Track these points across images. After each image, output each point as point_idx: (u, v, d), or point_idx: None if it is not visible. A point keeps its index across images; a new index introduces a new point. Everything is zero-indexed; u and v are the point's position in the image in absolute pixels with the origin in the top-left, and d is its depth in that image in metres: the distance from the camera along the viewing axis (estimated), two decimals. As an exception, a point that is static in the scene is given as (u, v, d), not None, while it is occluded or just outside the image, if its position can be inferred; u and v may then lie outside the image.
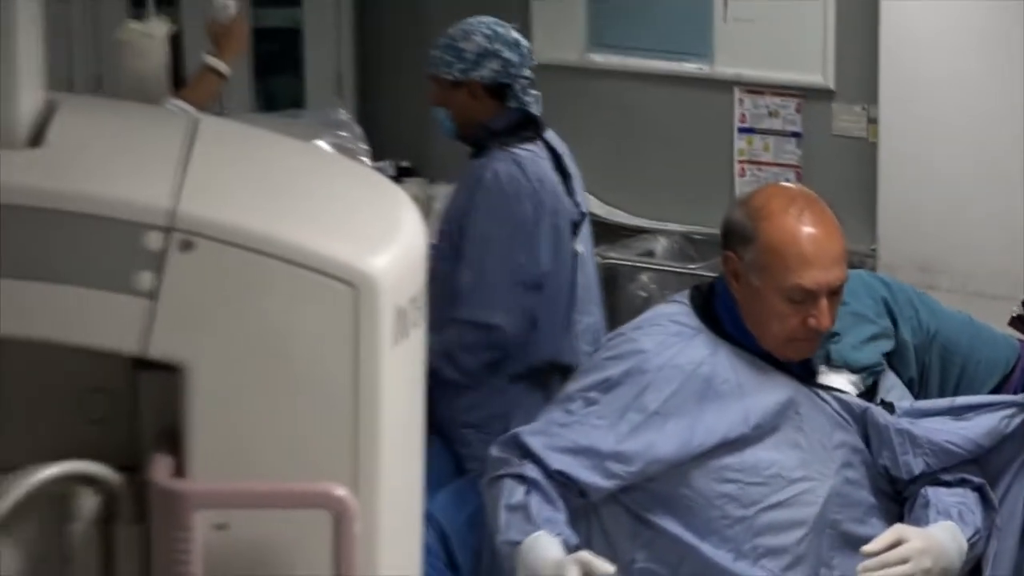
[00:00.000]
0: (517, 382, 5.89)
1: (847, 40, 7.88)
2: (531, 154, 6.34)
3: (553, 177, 6.39)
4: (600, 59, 7.51)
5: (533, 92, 6.40)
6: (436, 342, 5.93)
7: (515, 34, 6.47)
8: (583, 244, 6.53)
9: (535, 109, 6.41)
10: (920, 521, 4.58)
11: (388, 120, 7.76)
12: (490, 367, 5.86)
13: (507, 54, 6.34)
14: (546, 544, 4.41)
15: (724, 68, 8.15)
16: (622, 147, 7.09)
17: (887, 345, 4.89)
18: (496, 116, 6.37)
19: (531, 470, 4.50)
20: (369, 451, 2.20)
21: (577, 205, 6.50)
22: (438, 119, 6.53)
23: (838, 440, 4.66)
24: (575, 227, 6.47)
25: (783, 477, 4.58)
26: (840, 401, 4.68)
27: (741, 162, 8.14)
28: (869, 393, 4.78)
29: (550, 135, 6.48)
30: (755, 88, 8.11)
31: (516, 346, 5.94)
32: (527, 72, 6.38)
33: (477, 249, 6.20)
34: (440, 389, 5.86)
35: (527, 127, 6.40)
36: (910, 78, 7.64)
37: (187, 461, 2.16)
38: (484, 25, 6.47)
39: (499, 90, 6.35)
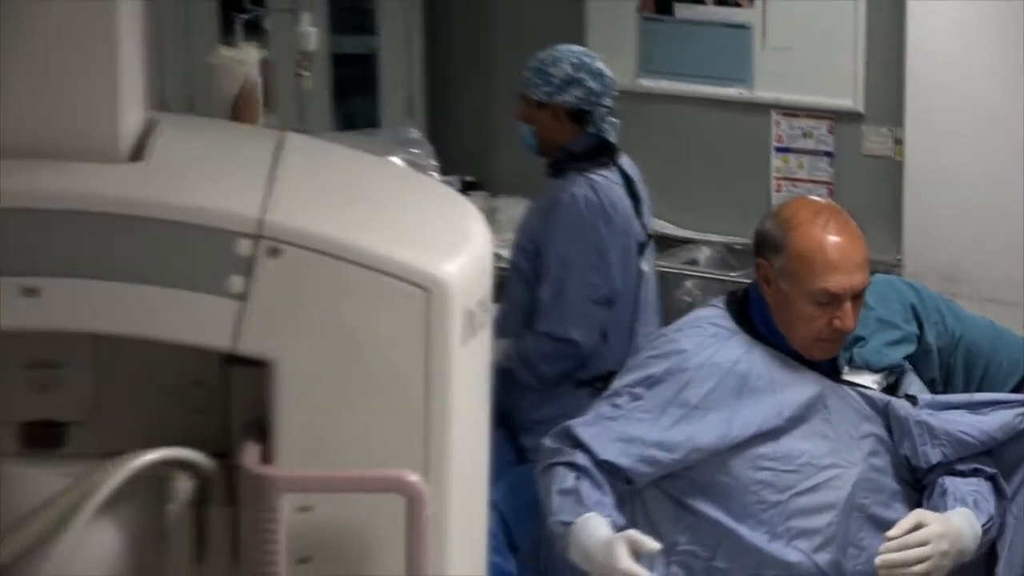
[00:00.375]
0: (582, 387, 5.90)
1: (875, 67, 7.85)
2: (606, 180, 6.35)
3: (625, 201, 6.40)
4: (649, 83, 7.51)
5: (612, 119, 6.40)
6: (515, 349, 6.07)
7: (600, 64, 6.46)
8: (647, 263, 6.56)
9: (612, 136, 6.42)
10: (939, 507, 4.59)
11: (454, 138, 7.76)
12: (563, 375, 5.85)
13: (591, 83, 6.35)
14: (596, 524, 4.43)
15: (762, 93, 8.14)
16: (669, 164, 7.08)
17: (908, 348, 4.88)
18: (575, 139, 6.36)
19: (581, 458, 4.53)
20: (439, 441, 2.20)
21: (644, 227, 6.53)
22: (522, 134, 6.51)
23: (864, 431, 4.67)
24: (641, 247, 6.50)
25: (813, 465, 4.60)
26: (864, 396, 4.70)
27: (777, 179, 8.12)
28: (891, 390, 4.77)
29: (624, 160, 6.48)
30: (791, 111, 8.09)
31: (588, 357, 5.94)
32: (607, 101, 6.37)
33: (556, 269, 6.22)
34: (509, 386, 5.97)
35: (603, 152, 6.39)
36: (933, 102, 7.61)
37: (274, 449, 2.17)
38: (573, 54, 6.48)
39: (580, 115, 6.35)
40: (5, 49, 2.22)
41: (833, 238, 4.59)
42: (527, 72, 6.47)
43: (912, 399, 4.73)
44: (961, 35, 7.52)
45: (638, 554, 4.40)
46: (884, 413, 4.67)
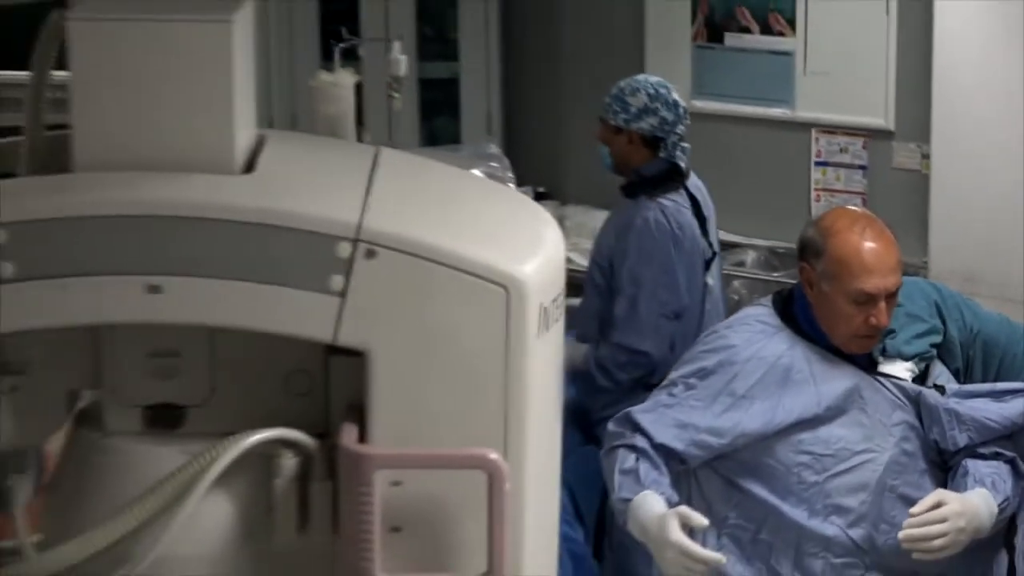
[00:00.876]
0: (650, 390, 5.94)
1: (905, 90, 7.82)
2: (675, 204, 6.34)
3: (692, 222, 6.39)
4: (702, 105, 7.51)
5: (683, 146, 6.38)
6: (594, 356, 6.13)
7: (675, 96, 6.43)
8: (713, 277, 6.55)
9: (682, 161, 6.39)
10: (959, 487, 4.55)
11: (528, 153, 7.76)
12: (636, 382, 5.86)
13: (664, 113, 6.32)
14: (652, 501, 4.43)
15: (803, 113, 8.11)
16: (719, 177, 7.05)
17: (935, 339, 4.85)
18: (648, 163, 6.34)
19: (640, 441, 4.53)
20: (517, 423, 2.20)
21: (710, 244, 6.51)
22: (601, 154, 6.48)
23: (897, 419, 4.66)
24: (708, 263, 6.50)
25: (848, 449, 4.59)
26: (897, 386, 4.67)
27: (816, 190, 8.10)
28: (921, 378, 4.76)
29: (692, 182, 6.47)
30: (829, 129, 8.06)
31: (658, 365, 5.96)
32: (680, 129, 6.35)
33: (629, 286, 6.24)
34: (586, 386, 6.14)
35: (674, 177, 6.37)
36: (957, 121, 7.58)
37: (369, 430, 2.18)
38: (650, 85, 6.45)
39: (654, 142, 6.33)
40: (134, 73, 2.23)
41: (869, 244, 4.58)
42: (608, 99, 6.44)
43: (941, 389, 4.72)
44: (983, 60, 7.49)
45: (688, 528, 4.39)
46: (915, 402, 4.66)
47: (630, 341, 6.23)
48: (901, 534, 4.48)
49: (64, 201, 2.17)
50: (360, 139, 5.75)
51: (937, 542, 4.44)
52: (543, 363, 2.26)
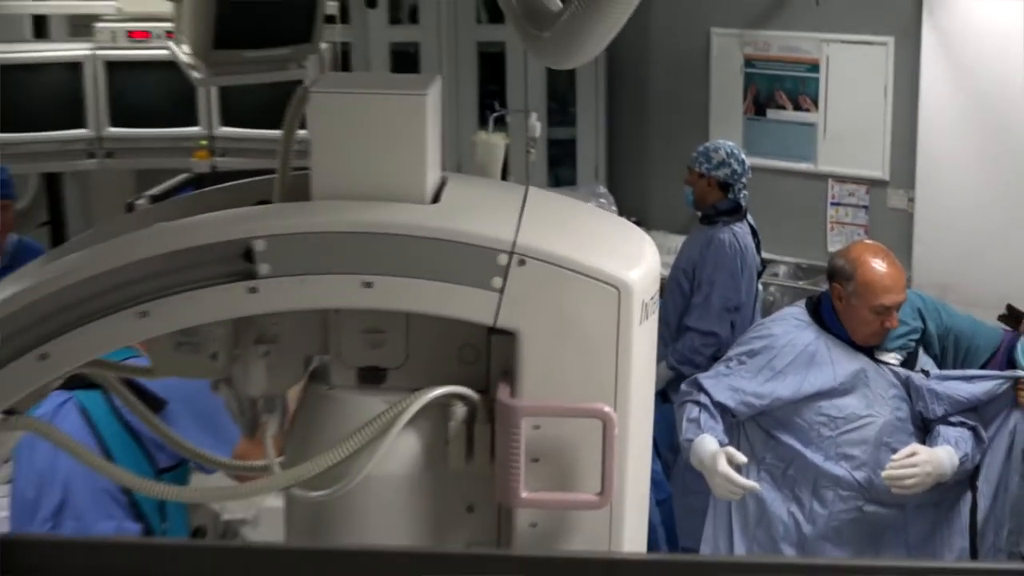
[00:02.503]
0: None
1: (896, 151, 7.73)
2: (741, 230, 6.46)
3: (751, 244, 6.49)
4: (751, 160, 7.37)
5: (744, 192, 6.49)
6: (672, 357, 6.32)
7: (743, 155, 6.57)
8: (759, 285, 6.74)
9: (744, 201, 6.50)
10: (932, 445, 4.64)
11: (624, 192, 7.75)
12: (711, 360, 5.88)
13: (736, 166, 6.45)
14: (708, 442, 4.53)
15: (823, 167, 8.04)
16: (763, 212, 7.02)
17: (914, 336, 4.86)
18: (721, 201, 6.45)
19: (703, 399, 4.66)
20: (623, 386, 2.19)
21: (761, 261, 6.70)
22: (684, 192, 6.59)
23: (891, 394, 4.72)
24: (759, 274, 6.69)
25: (855, 414, 4.69)
26: (892, 370, 4.76)
27: (832, 223, 8.04)
28: (910, 364, 4.79)
29: (749, 216, 6.57)
30: (841, 179, 7.99)
31: (724, 344, 6.03)
32: (744, 179, 6.48)
33: (706, 286, 6.35)
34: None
35: (739, 211, 6.48)
36: (935, 175, 7.50)
37: (518, 388, 2.16)
38: (727, 146, 6.59)
39: (726, 186, 6.43)
40: (355, 130, 2.24)
41: (888, 271, 4.67)
42: (696, 153, 6.55)
43: (925, 372, 4.79)
44: (956, 130, 7.41)
45: (733, 463, 4.50)
46: (905, 382, 4.74)
47: (703, 325, 6.34)
48: (884, 473, 4.58)
49: (304, 221, 2.18)
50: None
51: (909, 481, 4.55)
52: (643, 344, 2.24)
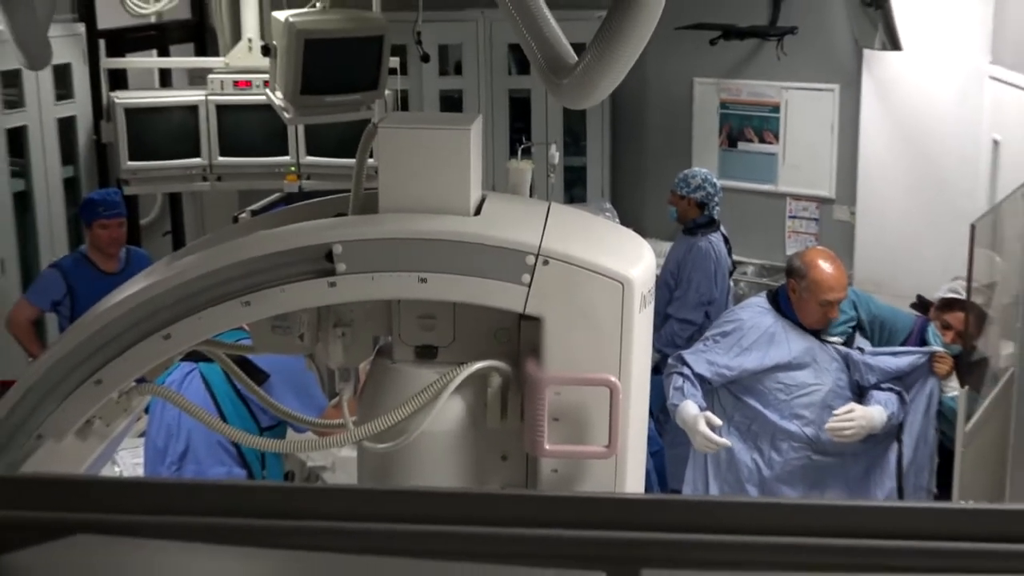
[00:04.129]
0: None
1: (841, 174, 7.68)
2: (716, 238, 6.41)
3: (724, 249, 6.44)
4: (724, 183, 7.34)
5: (718, 208, 6.44)
6: (658, 337, 6.26)
7: (715, 180, 6.53)
8: (731, 282, 6.70)
9: (718, 215, 6.45)
10: (866, 404, 4.65)
11: (624, 207, 7.71)
12: (688, 341, 5.85)
13: (709, 189, 6.39)
14: (690, 406, 4.54)
15: (782, 188, 7.99)
16: (734, 224, 6.99)
17: (852, 323, 4.89)
18: (699, 216, 6.40)
19: (686, 370, 4.68)
20: (626, 360, 2.18)
21: (732, 263, 6.65)
22: (669, 211, 6.55)
23: (834, 367, 4.72)
24: (731, 273, 6.62)
25: (805, 383, 4.72)
26: (835, 348, 4.75)
27: (789, 232, 7.99)
28: (849, 343, 4.79)
29: (722, 227, 6.53)
30: (796, 197, 7.94)
31: (699, 330, 6.02)
32: (717, 198, 6.42)
33: (686, 283, 6.30)
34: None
35: (713, 224, 6.43)
36: (872, 193, 7.47)
37: (542, 362, 2.15)
38: (702, 173, 6.54)
39: (702, 204, 6.38)
40: (414, 158, 2.23)
41: (833, 273, 4.66)
42: (677, 179, 6.52)
43: (861, 350, 4.76)
44: (888, 158, 7.39)
45: (711, 424, 4.51)
46: (845, 358, 4.72)
47: (681, 314, 6.29)
48: (827, 425, 4.61)
49: (373, 230, 2.18)
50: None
51: (847, 432, 4.59)
52: (642, 327, 2.23)
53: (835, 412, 4.61)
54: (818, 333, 4.73)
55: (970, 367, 4.74)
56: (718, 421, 4.54)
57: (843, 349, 4.75)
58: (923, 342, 5.02)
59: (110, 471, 4.19)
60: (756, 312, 4.80)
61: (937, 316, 5.22)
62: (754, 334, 4.72)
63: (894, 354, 4.81)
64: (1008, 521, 1.12)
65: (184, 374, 3.99)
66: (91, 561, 0.95)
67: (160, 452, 4.05)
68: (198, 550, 0.97)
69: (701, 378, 4.68)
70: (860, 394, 4.74)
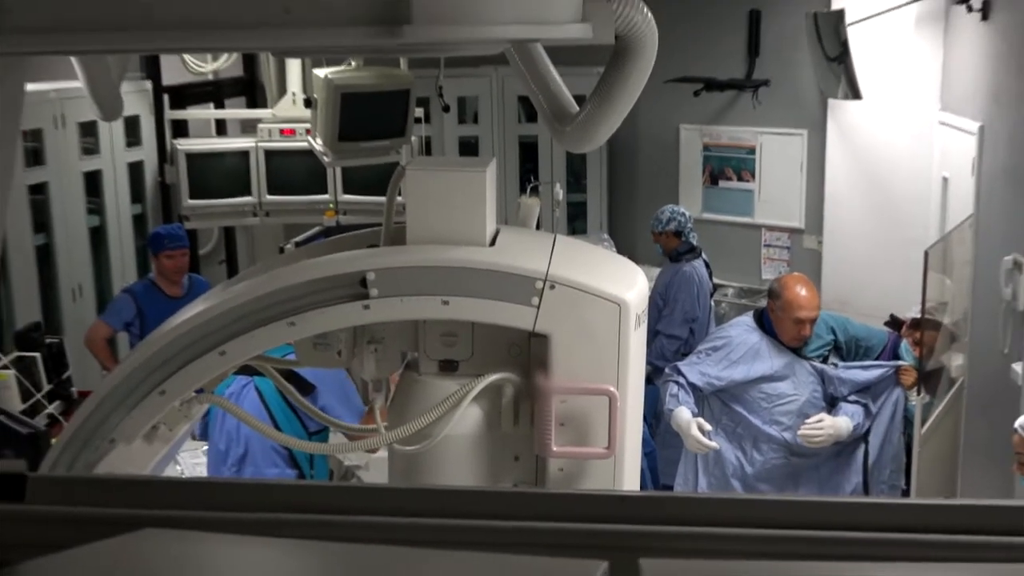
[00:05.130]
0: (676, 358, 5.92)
1: (809, 208, 7.68)
2: (698, 263, 6.39)
3: (705, 274, 6.42)
4: (708, 216, 7.42)
5: (694, 234, 6.44)
6: (650, 351, 6.23)
7: (686, 211, 6.53)
8: (712, 302, 6.67)
9: (696, 242, 6.45)
10: (835, 415, 4.64)
11: (620, 238, 7.71)
12: (676, 354, 5.83)
13: (679, 219, 6.40)
14: (684, 412, 4.51)
15: (758, 220, 7.97)
16: (716, 251, 6.97)
17: (828, 346, 4.86)
18: (679, 245, 6.39)
19: (680, 379, 4.66)
20: (623, 373, 2.15)
21: (714, 286, 6.65)
22: (656, 248, 6.57)
23: (810, 381, 4.71)
24: (712, 294, 6.61)
25: (784, 393, 4.70)
26: (812, 364, 4.73)
27: (764, 259, 7.97)
28: (824, 361, 4.77)
29: (704, 254, 6.52)
30: (771, 228, 7.93)
31: (685, 344, 6.00)
32: (689, 227, 6.42)
33: (672, 302, 6.26)
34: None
35: (694, 251, 6.41)
36: (836, 225, 7.45)
37: (549, 374, 2.13)
38: (670, 208, 6.53)
39: (679, 233, 6.38)
40: (438, 196, 2.22)
41: (805, 295, 4.65)
42: (651, 221, 6.54)
43: (834, 365, 4.76)
44: (849, 195, 7.37)
45: (702, 429, 4.50)
46: (820, 372, 4.70)
47: (669, 331, 6.26)
48: (799, 432, 4.62)
49: (402, 259, 2.16)
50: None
51: (816, 439, 4.59)
52: (637, 344, 2.21)
53: (806, 421, 4.60)
54: (798, 351, 4.73)
55: (927, 376, 4.73)
56: (708, 427, 4.54)
57: (819, 365, 4.75)
58: (896, 356, 5.04)
59: (172, 471, 4.18)
60: (743, 330, 4.79)
61: (909, 334, 5.20)
62: (741, 349, 4.71)
63: (864, 367, 4.81)
64: (958, 515, 1.11)
65: (241, 386, 3.99)
66: (158, 552, 0.95)
67: (222, 455, 4.05)
68: (253, 542, 0.97)
69: (694, 386, 4.68)
70: (832, 404, 4.73)
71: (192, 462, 4.57)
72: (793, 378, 4.69)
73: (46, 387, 5.02)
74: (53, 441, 2.41)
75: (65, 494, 1.15)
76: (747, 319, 4.87)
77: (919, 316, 5.16)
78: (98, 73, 3.87)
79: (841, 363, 4.84)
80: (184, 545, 0.96)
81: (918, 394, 4.65)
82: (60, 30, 1.81)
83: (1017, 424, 3.28)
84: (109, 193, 6.72)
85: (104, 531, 0.94)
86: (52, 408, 4.99)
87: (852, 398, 4.69)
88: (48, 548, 0.92)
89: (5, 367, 4.86)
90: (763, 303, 4.89)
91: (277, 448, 3.99)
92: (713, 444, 4.54)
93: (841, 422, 4.60)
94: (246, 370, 3.83)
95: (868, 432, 4.73)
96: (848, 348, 5.08)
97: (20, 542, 0.97)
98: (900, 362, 4.83)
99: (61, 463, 2.21)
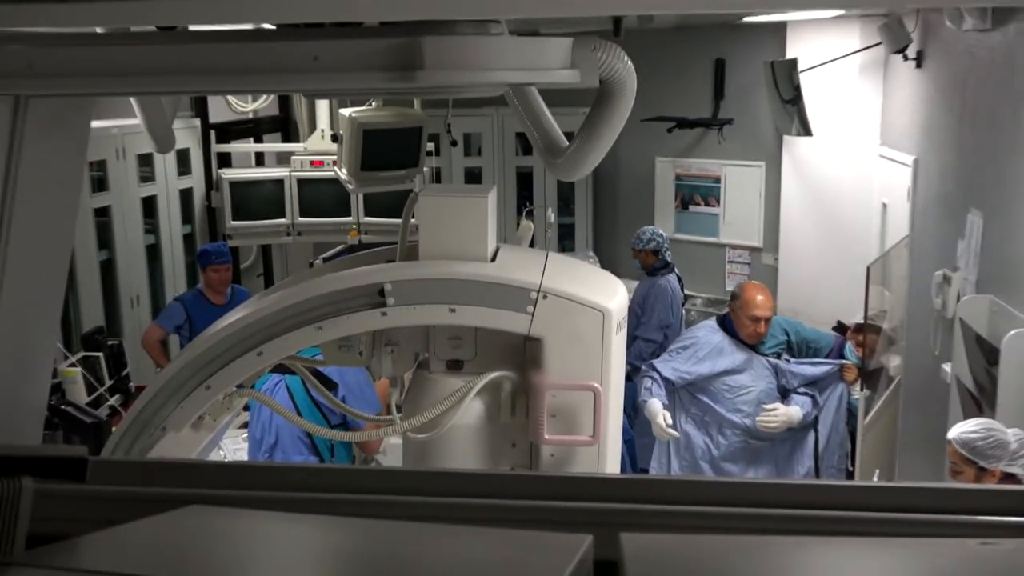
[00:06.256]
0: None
1: (767, 228, 7.69)
2: (672, 278, 6.36)
3: (678, 286, 6.39)
4: (680, 236, 7.42)
5: (669, 252, 6.40)
6: (630, 352, 6.19)
7: (663, 232, 6.51)
8: (684, 310, 6.63)
9: (670, 259, 6.41)
10: (787, 404, 4.65)
11: (605, 255, 7.70)
12: (652, 355, 5.81)
13: (658, 239, 6.36)
14: (656, 403, 4.52)
15: (723, 240, 7.97)
16: (686, 267, 6.97)
17: (783, 344, 4.87)
18: (656, 262, 6.35)
19: (655, 375, 4.64)
20: (607, 372, 2.13)
21: (685, 296, 6.61)
22: (635, 263, 6.51)
23: (765, 374, 4.68)
24: (683, 303, 6.56)
25: (744, 385, 4.67)
26: (767, 360, 4.71)
27: (728, 273, 7.96)
28: (777, 357, 4.75)
29: (676, 269, 6.48)
30: (733, 247, 7.92)
31: (660, 347, 5.97)
32: (666, 246, 6.38)
33: (649, 311, 6.21)
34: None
35: (668, 267, 6.37)
36: (790, 244, 7.46)
37: (543, 372, 2.12)
38: (650, 230, 6.48)
39: (656, 252, 6.34)
40: (447, 218, 2.21)
41: (760, 298, 4.67)
42: (633, 239, 6.48)
43: (787, 360, 4.73)
44: (801, 221, 7.37)
45: (666, 420, 4.54)
46: (774, 367, 4.67)
47: (647, 335, 6.20)
48: (757, 419, 4.64)
49: (415, 272, 2.15)
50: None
51: (771, 425, 4.61)
52: (618, 346, 2.19)
53: (764, 407, 4.60)
54: (755, 348, 4.72)
55: (869, 375, 4.73)
56: (671, 420, 4.54)
57: (773, 360, 4.75)
58: (841, 356, 5.06)
59: (216, 455, 4.17)
60: (708, 331, 4.80)
61: (853, 337, 5.21)
62: (706, 348, 4.71)
63: (812, 364, 4.82)
64: (897, 496, 1.11)
65: (274, 384, 4.00)
66: (202, 526, 0.94)
67: (257, 442, 4.06)
68: (284, 518, 0.97)
69: (667, 380, 4.68)
70: (784, 395, 4.73)
71: (233, 448, 4.55)
72: (751, 371, 4.69)
73: (108, 382, 5.02)
74: (113, 429, 2.39)
75: (121, 475, 1.14)
76: (711, 322, 4.88)
77: (862, 322, 5.16)
78: (154, 112, 3.87)
79: (793, 360, 4.85)
80: (225, 520, 0.95)
81: (861, 389, 4.65)
82: (120, 74, 1.82)
83: (950, 436, 3.21)
84: (163, 215, 6.72)
85: (155, 508, 0.94)
86: (113, 401, 4.99)
87: (801, 390, 4.70)
88: (106, 523, 0.91)
89: (73, 365, 4.86)
90: (727, 310, 4.90)
91: (303, 438, 4.00)
92: (674, 432, 4.55)
93: (793, 411, 4.61)
94: (278, 369, 3.83)
95: (817, 421, 4.72)
96: (799, 348, 5.08)
97: (81, 517, 0.96)
98: (844, 361, 4.84)
99: (120, 448, 2.20)
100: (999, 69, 4.15)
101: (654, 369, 4.69)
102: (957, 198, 4.65)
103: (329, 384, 3.53)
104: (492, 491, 1.13)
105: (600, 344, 2.12)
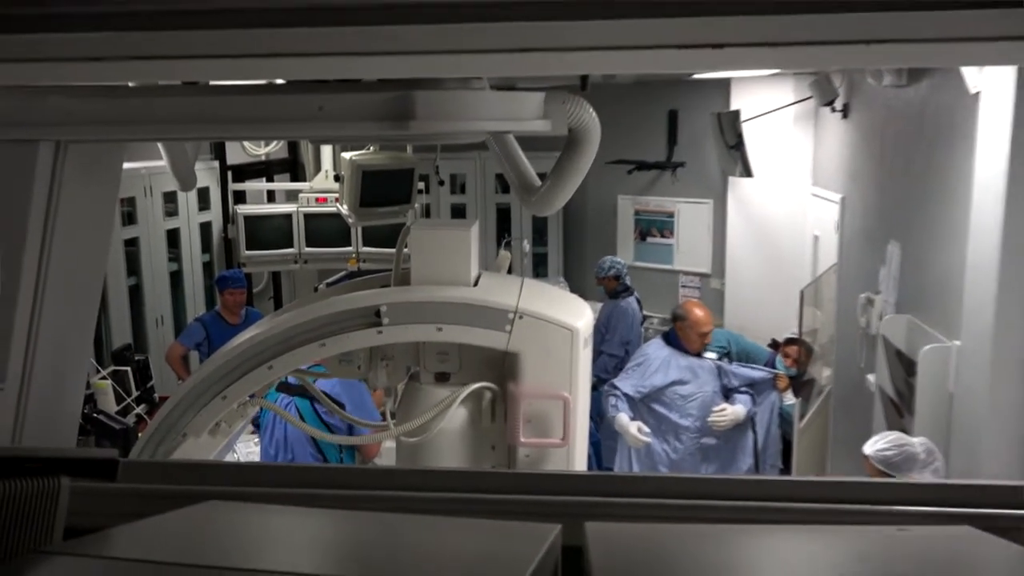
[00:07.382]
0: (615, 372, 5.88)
1: (715, 258, 7.73)
2: (632, 300, 6.33)
3: (637, 307, 6.37)
4: (639, 264, 7.44)
5: (628, 277, 6.39)
6: (595, 366, 6.10)
7: (622, 261, 6.46)
8: (643, 329, 6.64)
9: (630, 283, 6.40)
10: (732, 403, 4.63)
11: (574, 281, 7.70)
12: (616, 369, 5.79)
13: (618, 267, 6.34)
14: (624, 417, 4.51)
15: (676, 267, 8.00)
16: (645, 291, 6.98)
17: (724, 351, 4.89)
18: (617, 286, 6.32)
19: (617, 392, 4.61)
20: (575, 383, 2.13)
21: (643, 316, 6.62)
22: (599, 289, 6.48)
23: (710, 377, 4.69)
24: (642, 322, 6.59)
25: (692, 392, 4.68)
26: (712, 363, 4.71)
27: (681, 296, 7.98)
28: (719, 359, 4.79)
29: (636, 293, 6.46)
30: (686, 273, 7.96)
31: (622, 361, 5.95)
32: (625, 272, 6.36)
33: (611, 331, 6.17)
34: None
35: (629, 290, 6.35)
36: (735, 271, 7.49)
37: (519, 383, 2.12)
38: (610, 259, 6.46)
39: (617, 278, 6.31)
40: (433, 248, 2.20)
41: (702, 316, 4.67)
42: (596, 268, 6.47)
43: (730, 363, 4.74)
44: (748, 250, 7.41)
45: (640, 430, 4.52)
46: (717, 368, 4.68)
47: (610, 351, 6.16)
48: (708, 419, 4.61)
49: (408, 296, 2.14)
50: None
51: (722, 423, 4.58)
52: (585, 361, 2.18)
53: (713, 410, 4.61)
54: (698, 354, 4.74)
55: (802, 385, 4.76)
56: (647, 428, 4.54)
57: (716, 362, 4.77)
58: (773, 367, 5.07)
59: (231, 457, 4.13)
60: (656, 348, 4.81)
61: (783, 350, 5.25)
62: (656, 362, 4.72)
63: (751, 368, 4.85)
64: (828, 489, 1.12)
65: (284, 405, 3.97)
66: (220, 519, 0.94)
67: (271, 459, 4.03)
68: (293, 511, 0.96)
69: (627, 396, 4.67)
70: (727, 396, 4.74)
71: (246, 451, 4.51)
72: (696, 379, 4.70)
73: (135, 393, 4.98)
74: (140, 434, 2.37)
75: (148, 475, 1.14)
76: (658, 340, 4.90)
77: (791, 337, 5.23)
78: (178, 155, 3.86)
79: (735, 364, 4.88)
80: (240, 513, 0.95)
81: (796, 396, 4.69)
82: (149, 122, 1.82)
83: (867, 452, 3.14)
84: (185, 246, 6.69)
85: (178, 503, 0.93)
86: (139, 409, 4.94)
87: (742, 389, 4.71)
88: (134, 517, 0.91)
89: (104, 378, 4.81)
90: (672, 327, 4.91)
91: (314, 454, 3.98)
92: (648, 439, 4.54)
93: (739, 409, 4.63)
94: (289, 391, 3.82)
95: (755, 423, 4.74)
96: (739, 358, 5.12)
97: (113, 512, 0.95)
98: (775, 370, 4.89)
99: (146, 451, 2.18)
100: (914, 120, 4.22)
101: (615, 387, 4.70)
102: (878, 231, 4.71)
103: (333, 401, 3.52)
104: (474, 486, 1.13)
105: (569, 359, 2.12)
